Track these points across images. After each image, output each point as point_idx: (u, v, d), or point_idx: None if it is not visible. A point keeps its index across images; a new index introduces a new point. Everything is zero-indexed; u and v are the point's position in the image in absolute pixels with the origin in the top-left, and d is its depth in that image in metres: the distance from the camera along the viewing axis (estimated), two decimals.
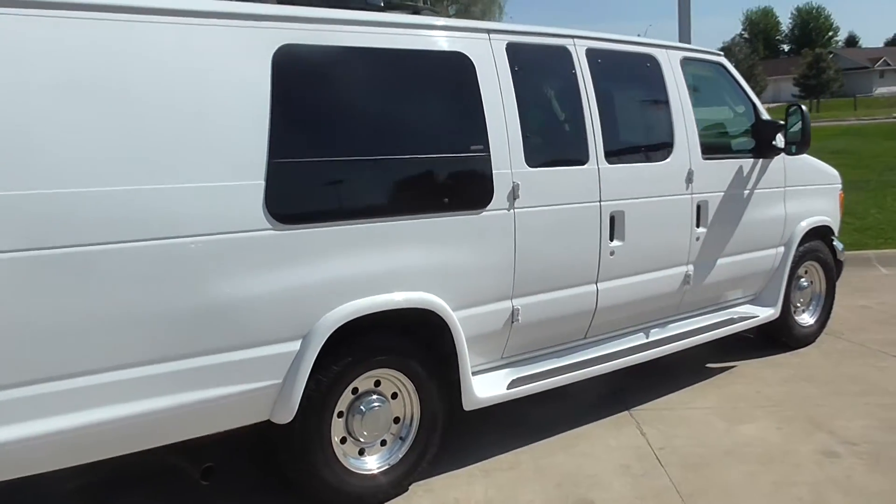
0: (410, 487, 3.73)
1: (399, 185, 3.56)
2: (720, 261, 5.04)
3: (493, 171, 3.77)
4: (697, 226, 4.83)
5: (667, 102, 4.70)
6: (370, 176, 3.45)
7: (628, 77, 4.66)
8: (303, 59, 3.27)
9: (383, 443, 3.66)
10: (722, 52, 5.35)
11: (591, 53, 4.32)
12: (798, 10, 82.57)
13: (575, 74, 4.22)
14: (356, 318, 3.34)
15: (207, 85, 3.03)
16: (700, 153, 4.79)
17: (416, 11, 4.07)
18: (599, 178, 4.22)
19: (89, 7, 2.78)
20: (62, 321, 2.70)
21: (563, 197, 4.08)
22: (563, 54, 4.22)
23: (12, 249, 2.59)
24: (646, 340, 4.75)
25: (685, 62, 4.88)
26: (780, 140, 5.30)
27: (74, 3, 2.76)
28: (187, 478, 3.24)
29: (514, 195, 3.84)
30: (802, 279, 5.83)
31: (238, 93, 3.09)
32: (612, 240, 4.32)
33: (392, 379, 3.63)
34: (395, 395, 3.67)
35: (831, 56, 63.80)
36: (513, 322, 3.95)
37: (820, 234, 5.83)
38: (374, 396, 3.59)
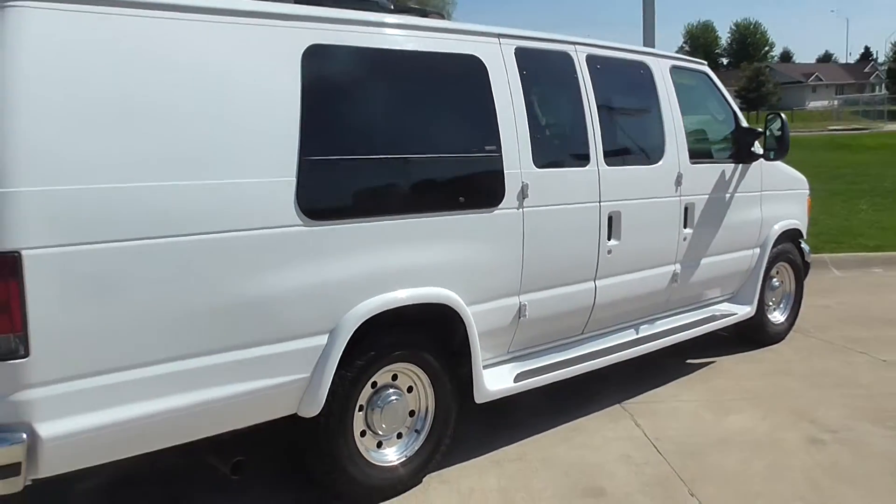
0: (425, 479, 3.82)
1: (420, 183, 3.66)
2: (704, 260, 5.27)
3: (505, 171, 3.90)
4: (685, 226, 5.04)
5: (658, 108, 4.91)
6: (394, 174, 3.54)
7: (624, 83, 4.84)
8: (330, 59, 3.34)
9: (399, 435, 3.74)
10: (705, 62, 5.59)
11: (590, 59, 4.49)
12: (737, 24, 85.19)
13: (577, 79, 4.38)
14: (380, 312, 3.42)
15: (241, 83, 3.07)
16: (688, 157, 5.00)
17: (424, 14, 4.17)
18: (599, 180, 4.39)
19: (131, 4, 2.81)
20: (98, 318, 2.71)
21: (567, 197, 4.23)
22: (566, 60, 4.38)
23: (54, 245, 2.60)
24: (636, 336, 4.94)
25: (674, 70, 5.10)
26: (758, 147, 5.57)
27: (116, 0, 2.78)
28: (216, 473, 3.27)
29: (523, 194, 3.97)
30: (774, 279, 6.12)
31: (270, 91, 3.15)
32: (609, 239, 4.49)
33: (408, 373, 3.72)
34: (410, 389, 3.76)
35: (768, 70, 66.10)
36: (520, 317, 4.08)
37: (790, 236, 6.13)
38: (392, 390, 3.67)
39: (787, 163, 6.03)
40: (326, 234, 3.25)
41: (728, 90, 5.75)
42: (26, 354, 2.56)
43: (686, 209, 5.03)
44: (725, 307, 5.67)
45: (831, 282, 8.45)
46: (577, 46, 4.46)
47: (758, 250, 5.77)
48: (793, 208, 6.13)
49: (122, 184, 2.73)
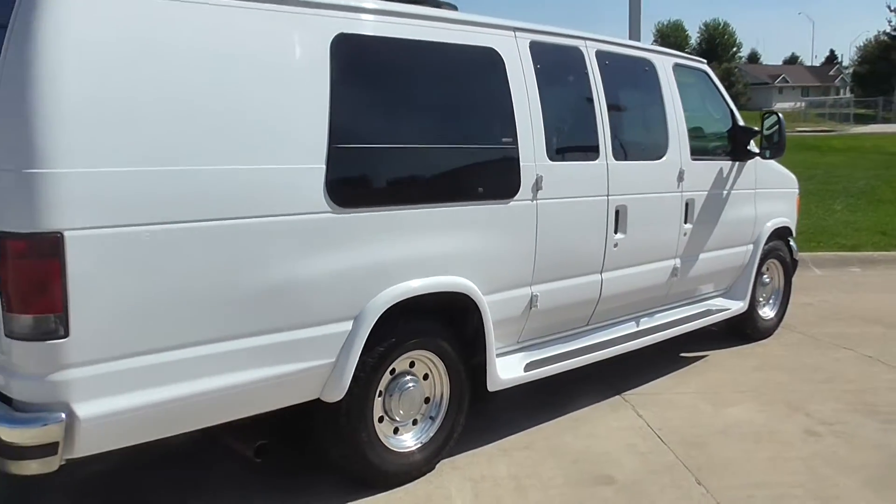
0: (437, 465, 3.87)
1: (443, 172, 3.71)
2: (702, 256, 5.38)
3: (521, 163, 3.95)
4: (685, 222, 5.15)
5: (662, 104, 5.00)
6: (419, 163, 3.59)
7: (630, 79, 4.92)
8: (357, 48, 3.36)
9: (415, 422, 3.78)
10: (705, 61, 5.69)
11: (599, 55, 4.56)
12: (706, 25, 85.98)
13: (587, 74, 4.45)
14: (403, 299, 3.45)
15: (272, 70, 3.08)
16: (689, 153, 5.10)
17: (437, 4, 4.19)
18: (608, 174, 4.46)
19: None
20: (136, 299, 2.72)
21: (578, 190, 4.31)
22: (577, 54, 4.44)
23: (95, 226, 2.60)
24: (637, 329, 5.04)
25: (676, 67, 5.20)
26: (753, 145, 5.70)
27: None
28: (239, 457, 3.28)
29: (537, 186, 4.03)
30: (765, 276, 6.27)
31: (300, 79, 3.16)
32: (616, 232, 4.57)
33: (425, 360, 3.76)
34: (426, 377, 3.80)
35: (738, 70, 67.07)
36: (531, 308, 4.15)
37: (780, 234, 6.27)
38: (409, 377, 3.71)
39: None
40: (354, 222, 3.28)
41: None
42: (66, 335, 2.56)
43: (687, 205, 5.13)
44: (720, 302, 5.80)
45: (812, 280, 8.66)
46: (587, 42, 4.53)
47: (751, 247, 5.90)
48: (783, 206, 6.28)
49: (160, 167, 2.73)
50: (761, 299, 6.27)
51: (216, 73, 2.91)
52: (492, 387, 3.96)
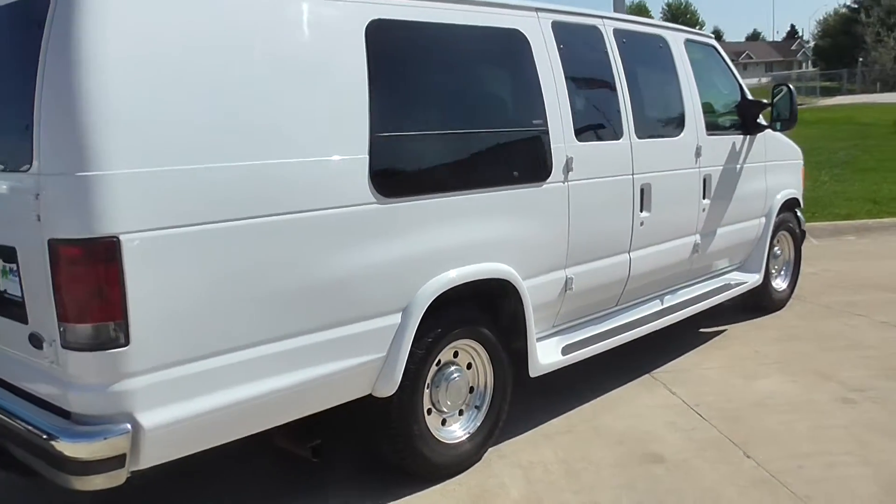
0: (484, 455, 3.82)
1: (481, 157, 3.64)
2: (720, 230, 5.39)
3: (552, 145, 3.90)
4: (703, 197, 5.14)
5: (677, 80, 4.98)
6: (458, 149, 3.53)
7: (646, 56, 4.88)
8: (392, 34, 3.28)
9: (461, 412, 3.73)
10: (712, 36, 5.68)
11: (617, 34, 4.52)
12: (668, 5, 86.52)
13: (607, 53, 4.41)
14: (449, 288, 3.40)
15: (310, 58, 3.00)
16: (705, 129, 5.09)
17: None
18: (632, 153, 4.43)
19: None
20: (194, 302, 2.63)
21: (605, 170, 4.27)
22: (597, 34, 4.40)
23: (152, 228, 2.51)
24: (662, 307, 5.03)
25: (687, 43, 5.17)
26: (762, 118, 5.70)
27: None
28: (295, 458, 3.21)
29: (567, 168, 3.98)
30: (776, 248, 6.29)
31: (339, 67, 3.08)
32: (641, 210, 4.55)
33: (468, 349, 3.71)
34: (469, 366, 3.75)
35: None
36: (566, 291, 4.11)
37: (789, 206, 6.30)
38: (454, 367, 3.66)
39: None
40: (399, 211, 3.21)
41: None
42: (126, 343, 2.47)
43: (704, 180, 5.12)
44: (737, 276, 5.81)
45: (811, 251, 8.68)
46: (604, 20, 4.48)
47: (763, 220, 5.91)
48: (791, 178, 6.31)
49: (211, 164, 2.64)
50: (774, 271, 6.29)
51: (259, 65, 2.82)
52: (533, 372, 3.92)
